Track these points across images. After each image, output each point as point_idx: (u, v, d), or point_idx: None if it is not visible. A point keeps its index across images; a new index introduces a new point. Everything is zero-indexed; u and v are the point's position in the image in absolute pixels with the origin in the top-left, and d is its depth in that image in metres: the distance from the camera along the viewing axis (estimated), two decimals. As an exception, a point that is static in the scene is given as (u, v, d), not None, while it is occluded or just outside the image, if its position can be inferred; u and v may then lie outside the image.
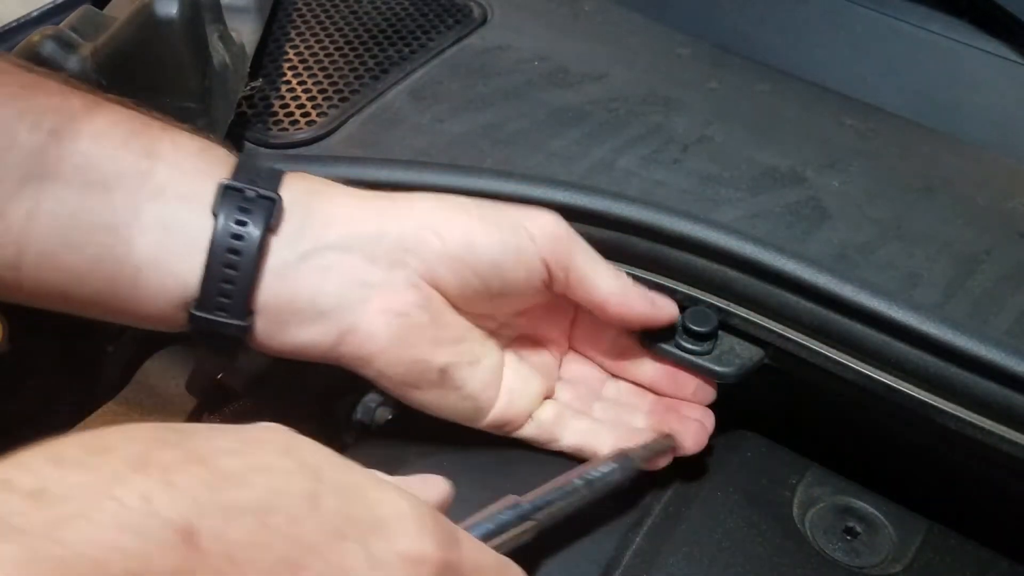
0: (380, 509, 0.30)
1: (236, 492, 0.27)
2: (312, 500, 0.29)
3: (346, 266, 0.41)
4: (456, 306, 0.43)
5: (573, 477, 0.41)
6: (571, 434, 0.45)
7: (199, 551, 0.25)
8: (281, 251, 0.40)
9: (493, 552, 0.35)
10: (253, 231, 0.39)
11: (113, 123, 0.40)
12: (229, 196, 0.40)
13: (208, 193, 0.40)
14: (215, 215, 0.39)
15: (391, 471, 0.34)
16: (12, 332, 0.50)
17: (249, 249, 0.39)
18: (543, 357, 0.48)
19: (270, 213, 0.40)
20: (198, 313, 0.40)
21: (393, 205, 0.42)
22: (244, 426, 0.30)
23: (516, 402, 0.45)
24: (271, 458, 0.29)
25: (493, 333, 0.46)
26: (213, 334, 0.40)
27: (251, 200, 0.40)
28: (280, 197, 0.40)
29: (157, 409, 0.56)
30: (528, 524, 0.38)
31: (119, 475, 0.25)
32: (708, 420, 0.46)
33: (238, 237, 0.39)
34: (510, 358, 0.46)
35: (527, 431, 0.46)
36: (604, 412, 0.47)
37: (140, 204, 0.39)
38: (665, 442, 0.44)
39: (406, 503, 0.31)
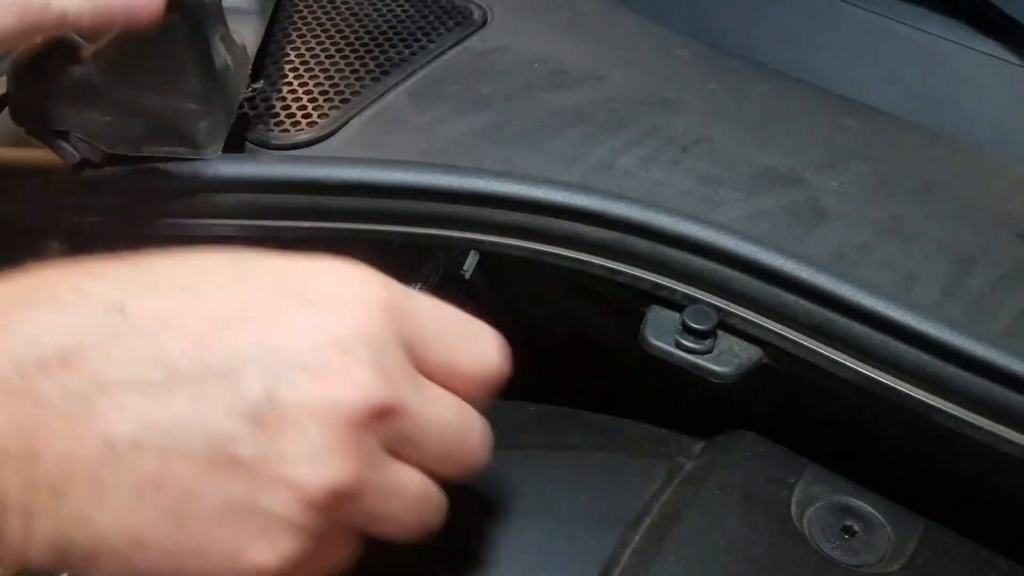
0: (319, 277, 0.30)
1: (160, 275, 0.29)
2: (243, 275, 0.30)
3: None
4: None
5: None
6: None
7: (127, 317, 0.27)
8: None
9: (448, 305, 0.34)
10: None
11: None
12: None
13: None
14: None
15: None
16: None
17: None
18: None
19: None
20: None
21: None
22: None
23: None
24: (203, 258, 0.30)
25: None
26: None
27: None
28: None
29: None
30: None
31: (55, 276, 0.29)
32: None
33: None
34: None
35: None
36: None
37: None
38: None
39: (348, 267, 0.31)
